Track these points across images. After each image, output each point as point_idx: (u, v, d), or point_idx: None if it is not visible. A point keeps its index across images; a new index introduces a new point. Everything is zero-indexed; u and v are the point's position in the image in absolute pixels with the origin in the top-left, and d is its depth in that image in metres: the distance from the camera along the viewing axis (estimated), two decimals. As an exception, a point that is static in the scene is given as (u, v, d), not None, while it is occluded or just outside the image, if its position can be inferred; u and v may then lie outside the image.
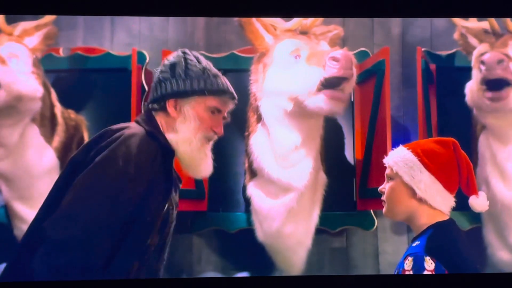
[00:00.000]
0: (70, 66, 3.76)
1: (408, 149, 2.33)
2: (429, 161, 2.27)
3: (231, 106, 2.55)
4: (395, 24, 3.89)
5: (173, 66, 2.49)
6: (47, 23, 3.64)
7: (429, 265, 2.14)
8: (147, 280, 2.43)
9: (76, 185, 2.28)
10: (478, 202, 2.30)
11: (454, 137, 2.36)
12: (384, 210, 2.36)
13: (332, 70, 3.41)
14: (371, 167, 3.63)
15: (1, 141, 3.53)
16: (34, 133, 3.59)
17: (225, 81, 2.54)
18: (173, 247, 2.59)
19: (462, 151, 2.32)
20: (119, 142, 2.31)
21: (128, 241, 2.31)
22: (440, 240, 2.21)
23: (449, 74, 3.82)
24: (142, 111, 2.80)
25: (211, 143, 2.55)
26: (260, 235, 3.60)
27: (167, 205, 2.44)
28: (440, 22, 3.89)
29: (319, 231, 3.66)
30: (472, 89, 3.62)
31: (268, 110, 3.56)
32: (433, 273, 2.13)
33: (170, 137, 2.45)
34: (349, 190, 3.80)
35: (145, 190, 2.33)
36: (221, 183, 3.84)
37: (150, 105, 2.50)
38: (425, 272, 2.13)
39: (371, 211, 3.71)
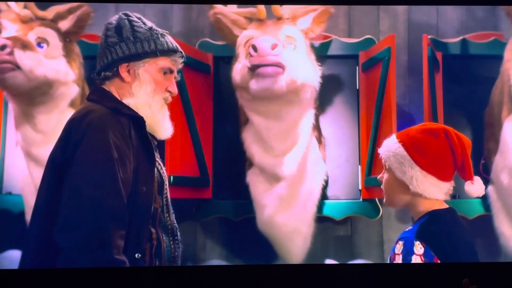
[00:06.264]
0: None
1: (399, 141, 2.31)
2: (419, 155, 2.26)
3: (181, 64, 2.56)
4: (401, 11, 3.86)
5: (118, 29, 2.46)
6: (80, 5, 3.57)
7: (418, 249, 2.17)
8: (152, 267, 2.43)
9: (69, 187, 2.27)
10: (473, 188, 2.30)
11: (459, 124, 2.35)
12: (384, 201, 2.40)
13: (253, 59, 3.34)
14: (376, 155, 3.61)
15: (39, 127, 3.50)
16: None
17: (172, 40, 2.53)
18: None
19: (456, 137, 2.28)
20: (90, 130, 2.29)
21: (136, 219, 2.32)
22: (432, 226, 2.23)
23: (455, 61, 3.80)
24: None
25: (168, 103, 2.55)
26: (257, 223, 3.61)
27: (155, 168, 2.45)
28: (446, 9, 3.86)
29: (323, 219, 3.66)
30: None
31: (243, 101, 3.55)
32: (422, 257, 2.15)
33: (128, 102, 2.44)
34: (354, 178, 3.80)
35: (133, 164, 2.34)
36: (226, 171, 3.84)
37: (102, 74, 2.47)
38: (414, 256, 2.15)
39: (376, 199, 3.71)
